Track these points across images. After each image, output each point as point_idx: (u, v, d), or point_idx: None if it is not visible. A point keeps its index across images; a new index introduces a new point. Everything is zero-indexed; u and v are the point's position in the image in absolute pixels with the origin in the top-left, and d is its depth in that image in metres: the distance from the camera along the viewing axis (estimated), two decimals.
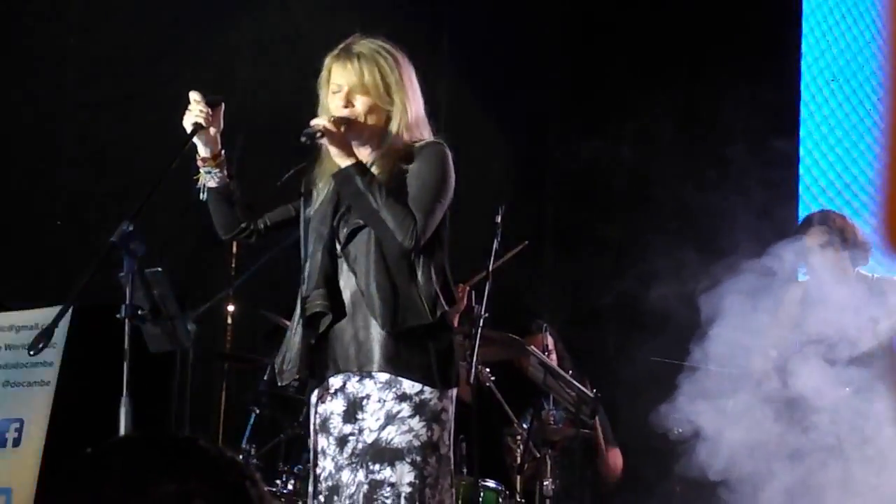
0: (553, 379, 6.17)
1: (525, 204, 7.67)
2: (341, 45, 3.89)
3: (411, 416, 3.75)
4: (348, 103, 3.83)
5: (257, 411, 6.34)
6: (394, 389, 3.76)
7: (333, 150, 3.76)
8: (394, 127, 3.85)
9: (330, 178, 3.87)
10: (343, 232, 3.83)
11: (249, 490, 1.82)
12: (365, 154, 3.88)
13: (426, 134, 3.93)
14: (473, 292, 6.00)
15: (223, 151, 3.88)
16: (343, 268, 3.83)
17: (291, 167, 4.05)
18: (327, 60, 3.90)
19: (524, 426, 6.30)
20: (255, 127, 6.54)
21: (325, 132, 3.72)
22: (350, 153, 3.76)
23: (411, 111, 3.87)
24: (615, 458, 6.88)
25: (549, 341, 6.62)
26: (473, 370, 5.68)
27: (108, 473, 1.76)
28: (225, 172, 3.89)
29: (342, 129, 3.76)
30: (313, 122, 3.75)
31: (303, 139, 3.72)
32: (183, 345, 3.96)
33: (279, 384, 3.97)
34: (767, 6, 7.60)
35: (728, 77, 7.28)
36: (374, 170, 3.81)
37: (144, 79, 7.53)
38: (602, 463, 6.81)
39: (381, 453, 3.74)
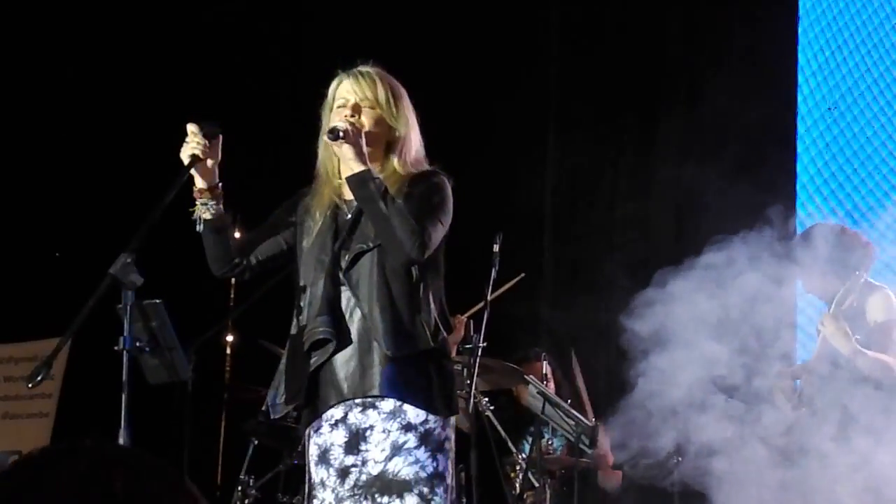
0: (551, 407, 6.16)
1: (523, 234, 7.68)
2: (355, 68, 3.93)
3: (417, 447, 3.75)
4: (356, 113, 3.85)
5: (256, 442, 6.34)
6: (398, 419, 3.76)
7: (349, 153, 3.74)
8: (397, 149, 3.88)
9: (327, 206, 3.88)
10: (345, 258, 3.83)
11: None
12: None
13: (424, 164, 3.96)
14: (472, 322, 6.01)
15: (220, 184, 3.88)
16: (345, 294, 3.84)
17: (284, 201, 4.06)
18: (335, 80, 3.93)
19: (523, 455, 6.30)
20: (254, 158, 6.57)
21: (346, 132, 3.73)
22: (365, 157, 3.76)
23: (413, 139, 3.92)
24: (615, 477, 6.86)
25: (547, 370, 6.62)
26: (472, 400, 5.68)
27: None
28: (221, 205, 3.89)
29: (361, 131, 3.78)
30: (336, 124, 3.76)
31: (329, 137, 3.73)
32: (182, 376, 3.96)
33: (272, 417, 3.96)
34: (766, 37, 7.62)
35: (726, 105, 7.30)
36: None
37: (142, 110, 7.56)
38: (603, 476, 6.79)
39: (389, 485, 3.73)
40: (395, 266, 3.79)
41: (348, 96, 3.88)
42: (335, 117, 3.85)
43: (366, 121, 3.85)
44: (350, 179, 3.78)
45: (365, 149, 3.77)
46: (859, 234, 5.57)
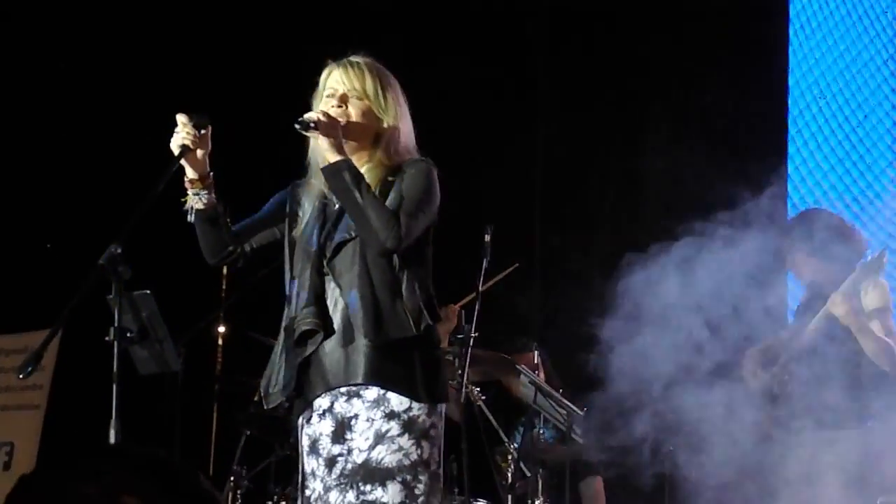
0: (543, 397, 6.17)
1: (514, 224, 7.68)
2: (345, 58, 3.93)
3: (400, 435, 3.75)
4: (342, 104, 3.85)
5: (248, 433, 6.34)
6: (382, 408, 3.76)
7: (325, 144, 3.76)
8: (384, 139, 3.88)
9: (316, 197, 3.90)
10: (329, 247, 3.84)
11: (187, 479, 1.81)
12: (354, 161, 3.89)
13: (415, 155, 3.96)
14: (464, 312, 6.01)
15: (211, 174, 3.87)
16: (330, 284, 3.85)
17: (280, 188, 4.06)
18: (325, 70, 3.93)
19: (514, 445, 6.30)
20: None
21: (318, 123, 3.73)
22: (341, 148, 3.77)
23: (403, 130, 3.91)
24: (597, 486, 6.87)
25: (538, 360, 6.63)
26: (464, 389, 5.68)
27: (30, 495, 1.77)
28: (213, 194, 3.88)
29: (337, 122, 3.78)
30: (307, 115, 3.76)
31: (297, 126, 3.73)
32: (171, 367, 3.97)
33: (265, 407, 3.96)
34: (755, 26, 7.63)
35: (717, 92, 7.32)
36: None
37: (132, 100, 7.55)
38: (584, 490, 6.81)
39: (372, 473, 3.74)
40: (374, 255, 3.79)
41: (337, 86, 3.88)
42: (323, 107, 3.86)
43: (353, 111, 3.86)
44: (325, 170, 3.80)
45: (341, 139, 3.78)
46: (858, 228, 5.64)
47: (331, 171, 3.78)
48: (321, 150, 3.80)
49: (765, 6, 7.71)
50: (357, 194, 3.73)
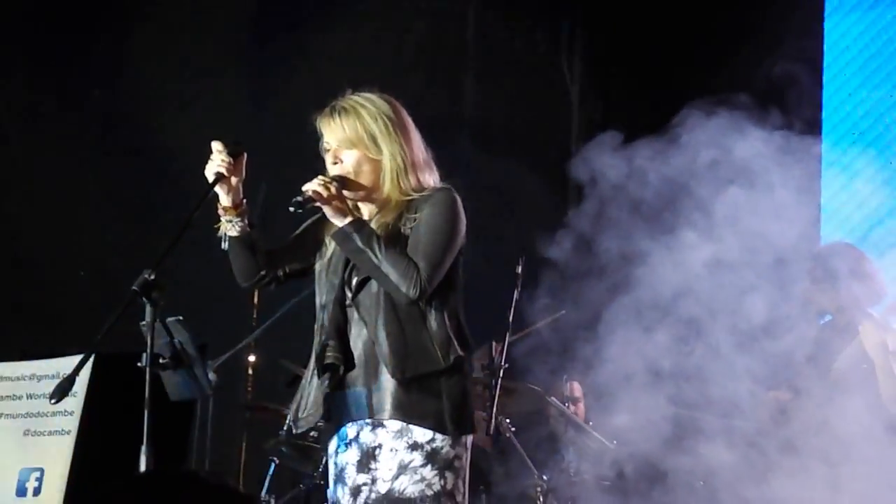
0: (573, 430, 6.15)
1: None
2: (329, 105, 3.90)
3: (423, 466, 3.74)
4: (337, 159, 3.85)
5: (277, 461, 6.33)
6: (405, 438, 3.75)
7: (328, 212, 3.77)
8: (388, 177, 3.84)
9: None
10: (353, 282, 3.83)
11: None
12: (366, 209, 3.89)
13: (430, 179, 3.91)
14: (495, 343, 6.00)
15: (245, 201, 3.88)
16: (354, 318, 3.84)
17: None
18: (317, 124, 3.91)
19: (545, 477, 6.27)
20: (279, 177, 6.57)
21: (315, 196, 3.73)
22: (345, 212, 3.76)
23: (406, 157, 3.84)
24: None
25: (577, 391, 6.60)
26: (493, 420, 5.67)
27: None
28: (246, 222, 3.89)
29: (333, 188, 3.75)
30: (304, 188, 3.75)
31: (291, 208, 3.74)
32: (203, 393, 3.97)
33: (295, 432, 3.96)
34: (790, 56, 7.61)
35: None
36: (374, 224, 3.82)
37: (168, 129, 7.58)
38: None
39: (395, 503, 3.73)
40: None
41: (329, 140, 3.87)
42: (328, 163, 3.86)
43: (348, 163, 3.84)
44: (334, 237, 3.81)
45: (343, 203, 3.76)
46: (865, 256, 5.62)
47: (339, 237, 3.78)
48: (328, 216, 3.79)
49: None
50: (370, 254, 3.72)
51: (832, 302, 5.49)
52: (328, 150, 3.87)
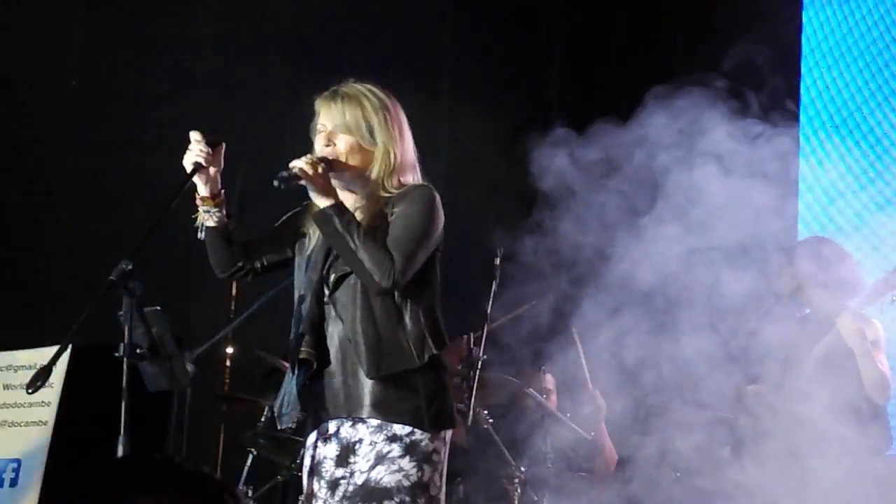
0: (550, 421, 6.16)
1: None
2: (331, 89, 3.91)
3: (401, 457, 3.75)
4: (330, 142, 3.85)
5: (255, 452, 6.33)
6: (384, 432, 3.76)
7: (312, 192, 3.77)
8: (376, 169, 3.85)
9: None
10: (331, 278, 3.84)
11: (227, 501, 1.84)
12: (349, 197, 3.89)
13: (412, 179, 3.93)
14: (472, 336, 6.00)
15: (223, 191, 3.88)
16: (331, 314, 3.84)
17: (290, 209, 4.06)
18: (316, 104, 3.93)
19: (522, 469, 6.28)
20: (257, 166, 6.56)
21: (301, 174, 3.73)
22: (330, 194, 3.77)
23: (396, 154, 3.87)
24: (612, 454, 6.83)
25: (550, 383, 6.61)
26: (471, 413, 5.67)
27: (86, 495, 1.79)
28: (224, 212, 3.89)
29: (320, 169, 3.76)
30: (291, 164, 3.76)
31: (275, 183, 3.73)
32: (181, 384, 3.95)
33: (279, 427, 3.96)
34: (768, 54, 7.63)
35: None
36: (357, 213, 3.82)
37: (145, 118, 7.57)
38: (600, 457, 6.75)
39: (371, 493, 3.73)
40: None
41: (325, 122, 3.88)
42: (316, 145, 3.87)
43: (341, 147, 3.85)
44: (314, 217, 3.82)
45: (328, 184, 3.77)
46: (844, 250, 5.64)
47: (320, 219, 3.79)
48: (312, 196, 3.80)
49: None
50: (348, 239, 3.73)
51: (802, 292, 5.52)
52: (322, 132, 3.87)
